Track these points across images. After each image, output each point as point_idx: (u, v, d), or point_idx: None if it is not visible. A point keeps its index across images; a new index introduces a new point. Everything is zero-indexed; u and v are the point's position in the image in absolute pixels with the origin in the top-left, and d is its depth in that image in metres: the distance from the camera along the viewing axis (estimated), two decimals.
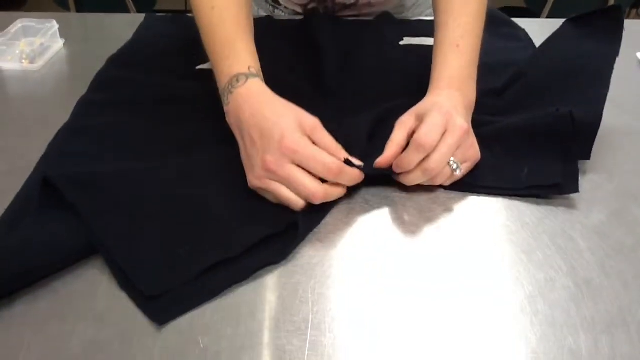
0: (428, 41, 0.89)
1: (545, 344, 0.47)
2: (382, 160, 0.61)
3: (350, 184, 0.60)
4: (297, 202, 0.57)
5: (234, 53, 0.67)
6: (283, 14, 1.06)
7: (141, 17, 1.03)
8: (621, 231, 0.58)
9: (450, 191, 0.63)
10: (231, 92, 0.64)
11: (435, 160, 0.59)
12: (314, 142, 0.58)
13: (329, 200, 0.59)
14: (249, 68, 0.65)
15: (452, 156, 0.60)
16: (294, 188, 0.57)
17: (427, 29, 0.93)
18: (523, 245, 0.57)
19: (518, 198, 0.62)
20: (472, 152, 0.63)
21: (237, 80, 0.64)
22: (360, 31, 0.92)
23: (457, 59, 0.68)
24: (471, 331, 0.49)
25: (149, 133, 0.72)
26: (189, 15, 1.07)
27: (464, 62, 0.68)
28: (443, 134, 0.60)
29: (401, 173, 0.61)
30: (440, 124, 0.60)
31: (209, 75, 0.84)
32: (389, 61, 0.84)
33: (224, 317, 0.50)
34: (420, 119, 0.62)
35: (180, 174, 0.63)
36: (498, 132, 0.67)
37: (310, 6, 1.01)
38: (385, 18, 0.95)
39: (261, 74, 0.67)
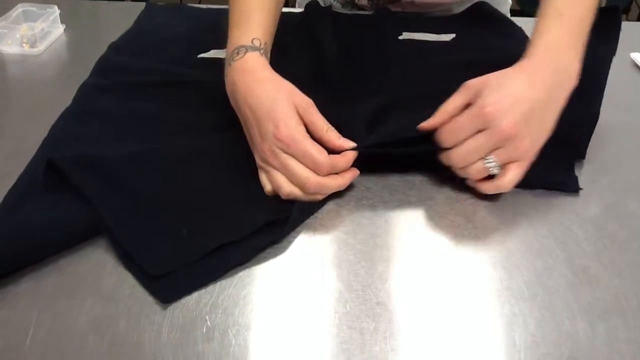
0: (427, 36, 0.91)
1: (544, 328, 0.48)
2: (425, 125, 0.61)
3: (344, 184, 0.60)
4: (286, 189, 0.57)
5: (246, 23, 0.67)
6: (334, 1, 1.07)
7: (139, 5, 1.03)
8: (616, 223, 0.60)
9: (449, 181, 0.64)
10: (230, 64, 0.64)
11: (456, 154, 0.58)
12: (306, 124, 0.59)
13: (323, 192, 0.59)
14: (252, 40, 0.65)
15: (492, 155, 0.58)
16: (289, 176, 0.58)
17: (426, 24, 0.94)
18: (522, 234, 0.58)
19: (518, 191, 0.63)
20: (519, 153, 0.58)
21: (237, 53, 0.64)
22: (360, 25, 0.93)
23: (559, 26, 0.63)
24: (471, 315, 0.50)
25: (152, 117, 0.72)
26: (191, 5, 1.08)
27: (566, 31, 0.63)
28: (480, 131, 0.57)
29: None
30: (471, 126, 0.57)
31: (211, 63, 0.86)
32: (387, 54, 0.85)
33: (231, 295, 0.50)
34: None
35: (184, 156, 0.64)
36: None
37: None
38: (385, 13, 0.96)
39: (268, 46, 0.67)
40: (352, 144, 0.60)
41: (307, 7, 0.98)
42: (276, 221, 0.57)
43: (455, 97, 0.61)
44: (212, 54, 0.88)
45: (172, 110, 0.73)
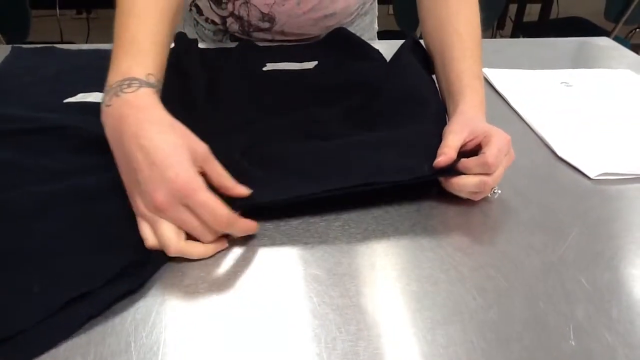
0: (290, 65, 0.94)
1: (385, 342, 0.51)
2: (443, 160, 0.65)
3: (241, 234, 0.60)
4: (176, 246, 0.56)
5: (139, 54, 0.63)
6: (205, 29, 1.07)
7: (8, 48, 1.01)
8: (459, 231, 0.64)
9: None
10: (118, 95, 0.59)
11: (494, 179, 0.65)
12: (204, 172, 0.58)
13: (206, 255, 0.58)
14: (147, 75, 0.62)
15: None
16: (188, 229, 0.56)
17: (289, 54, 0.98)
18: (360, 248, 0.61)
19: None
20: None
21: (129, 85, 0.60)
22: (225, 58, 0.95)
23: (480, 88, 0.75)
24: (311, 335, 0.51)
25: (9, 163, 0.70)
26: (60, 47, 1.06)
27: (482, 90, 0.75)
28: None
29: (453, 178, 0.65)
30: (505, 149, 0.66)
31: (77, 107, 0.84)
32: (254, 86, 0.88)
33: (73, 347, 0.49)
34: (474, 135, 0.67)
35: (36, 205, 0.62)
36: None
37: (229, 21, 1.03)
38: (247, 45, 0.98)
39: (160, 84, 0.65)
40: (248, 192, 0.60)
41: (175, 38, 0.99)
42: (130, 269, 0.55)
43: (453, 137, 0.67)
44: (80, 97, 0.86)
45: (29, 158, 0.71)
